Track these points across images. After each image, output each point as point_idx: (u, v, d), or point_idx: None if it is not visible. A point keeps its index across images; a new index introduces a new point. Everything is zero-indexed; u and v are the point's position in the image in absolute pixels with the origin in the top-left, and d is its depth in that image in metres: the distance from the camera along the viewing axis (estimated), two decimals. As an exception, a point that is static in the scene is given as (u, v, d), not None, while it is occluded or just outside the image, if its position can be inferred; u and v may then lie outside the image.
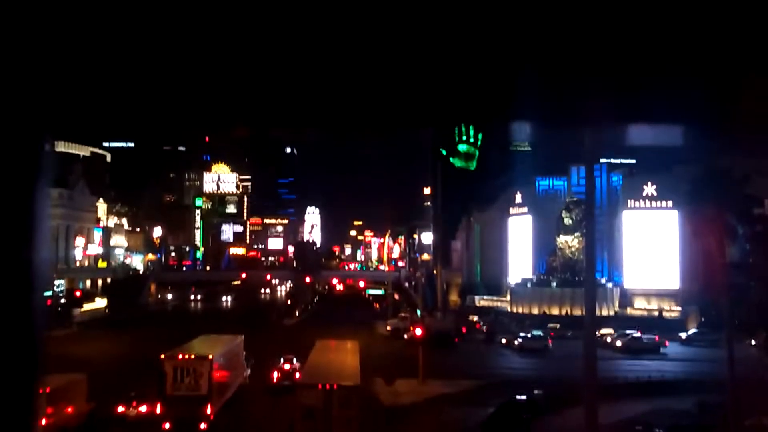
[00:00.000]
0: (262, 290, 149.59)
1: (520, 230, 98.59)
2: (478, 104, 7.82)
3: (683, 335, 67.66)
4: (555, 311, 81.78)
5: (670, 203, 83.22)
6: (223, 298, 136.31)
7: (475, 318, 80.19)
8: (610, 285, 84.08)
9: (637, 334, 62.43)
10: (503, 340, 63.68)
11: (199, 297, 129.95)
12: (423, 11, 5.89)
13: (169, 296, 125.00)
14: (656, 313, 79.46)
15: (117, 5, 5.38)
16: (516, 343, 61.32)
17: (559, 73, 6.61)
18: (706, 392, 34.76)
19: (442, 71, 6.67)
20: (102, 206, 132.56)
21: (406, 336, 59.03)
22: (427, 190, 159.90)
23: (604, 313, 76.35)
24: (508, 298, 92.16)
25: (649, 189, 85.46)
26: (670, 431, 28.85)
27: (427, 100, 7.35)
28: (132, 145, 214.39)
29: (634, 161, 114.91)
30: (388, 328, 71.38)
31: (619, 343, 60.14)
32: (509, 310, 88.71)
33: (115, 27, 5.39)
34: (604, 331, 61.57)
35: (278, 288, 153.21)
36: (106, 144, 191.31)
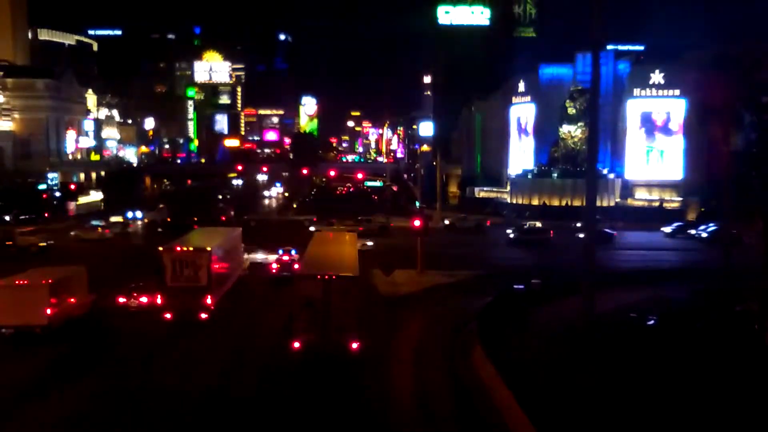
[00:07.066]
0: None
1: (522, 120, 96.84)
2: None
3: (667, 229, 65.28)
4: (555, 202, 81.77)
5: (677, 92, 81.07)
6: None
7: None
8: (611, 176, 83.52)
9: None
10: None
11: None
12: None
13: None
14: (656, 204, 79.44)
15: None
16: None
17: None
18: (700, 280, 35.14)
19: None
20: (91, 97, 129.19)
21: None
22: (427, 79, 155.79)
23: (605, 203, 76.39)
24: (508, 189, 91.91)
25: (657, 77, 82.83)
26: (662, 318, 29.09)
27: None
28: (119, 33, 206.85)
29: (642, 48, 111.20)
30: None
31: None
32: (509, 201, 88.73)
33: None
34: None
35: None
36: (91, 32, 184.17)
